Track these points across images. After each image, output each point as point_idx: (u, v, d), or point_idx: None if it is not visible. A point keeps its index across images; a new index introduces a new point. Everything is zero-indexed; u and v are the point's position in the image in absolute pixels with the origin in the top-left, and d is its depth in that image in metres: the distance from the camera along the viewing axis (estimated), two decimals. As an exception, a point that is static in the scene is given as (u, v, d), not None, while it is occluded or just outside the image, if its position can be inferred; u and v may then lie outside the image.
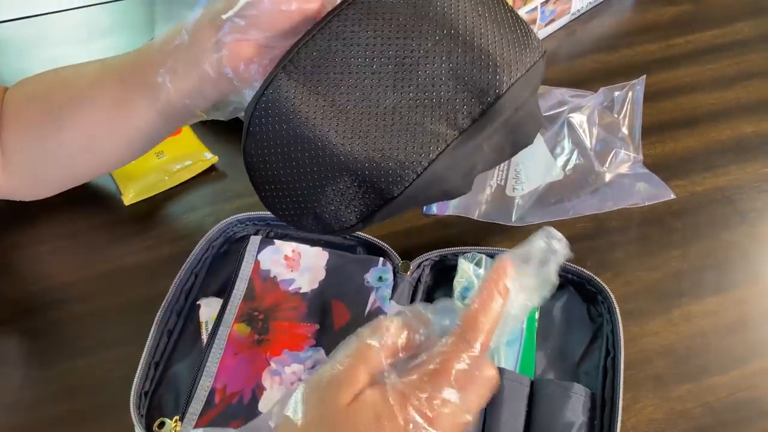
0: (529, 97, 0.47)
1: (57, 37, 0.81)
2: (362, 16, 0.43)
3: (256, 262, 0.54)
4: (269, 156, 0.43)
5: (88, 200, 0.63)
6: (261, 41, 0.45)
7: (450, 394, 0.33)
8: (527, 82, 0.46)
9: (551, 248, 0.38)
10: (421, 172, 0.42)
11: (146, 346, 0.50)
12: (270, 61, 0.45)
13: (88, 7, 0.85)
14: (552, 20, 0.76)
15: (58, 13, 0.84)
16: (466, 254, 0.54)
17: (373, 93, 0.43)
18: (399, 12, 0.44)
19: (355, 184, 0.43)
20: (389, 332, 0.35)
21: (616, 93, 0.67)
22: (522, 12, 0.70)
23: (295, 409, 0.34)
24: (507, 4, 0.46)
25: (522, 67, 0.45)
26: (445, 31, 0.44)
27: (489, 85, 0.44)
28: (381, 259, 0.54)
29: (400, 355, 0.35)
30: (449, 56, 0.44)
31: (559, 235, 0.39)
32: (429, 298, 0.55)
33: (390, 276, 0.53)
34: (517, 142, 0.49)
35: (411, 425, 0.32)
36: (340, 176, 0.42)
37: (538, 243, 0.38)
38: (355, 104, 0.42)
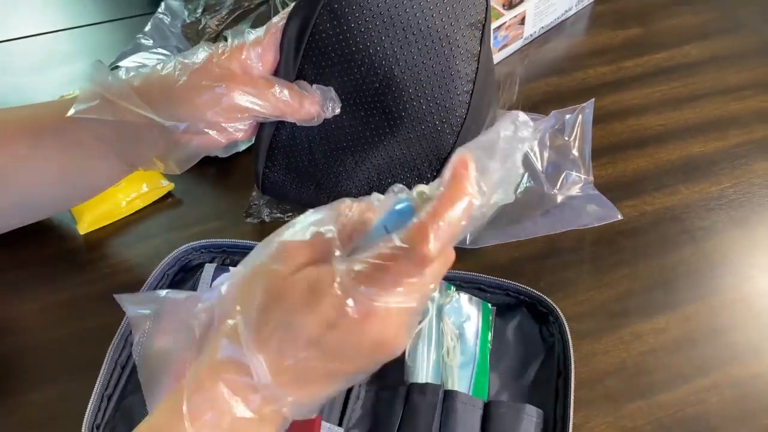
0: (484, 118, 0.52)
1: (17, 64, 0.81)
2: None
3: (211, 290, 0.54)
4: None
5: (41, 229, 0.62)
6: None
7: (395, 298, 0.31)
8: (473, 116, 0.48)
9: (519, 137, 0.32)
10: None
11: (99, 378, 0.49)
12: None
13: (48, 34, 0.84)
14: (505, 45, 0.78)
15: (17, 40, 0.83)
16: (420, 278, 0.55)
17: (346, 170, 0.50)
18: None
19: None
20: (347, 218, 0.34)
21: (567, 116, 0.69)
22: (475, 37, 0.71)
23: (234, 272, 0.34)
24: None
25: (460, 110, 0.49)
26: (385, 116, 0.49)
27: (439, 147, 0.50)
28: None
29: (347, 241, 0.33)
30: (396, 134, 0.49)
31: (526, 118, 0.33)
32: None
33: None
34: None
35: (348, 310, 0.30)
36: None
37: (504, 132, 0.32)
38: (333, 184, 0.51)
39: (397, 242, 0.31)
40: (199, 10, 0.75)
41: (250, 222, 0.62)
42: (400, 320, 0.32)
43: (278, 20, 0.46)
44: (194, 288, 0.54)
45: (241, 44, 0.44)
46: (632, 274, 0.60)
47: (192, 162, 0.48)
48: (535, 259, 0.61)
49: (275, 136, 0.49)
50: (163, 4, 0.79)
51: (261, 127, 0.49)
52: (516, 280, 0.55)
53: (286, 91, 0.44)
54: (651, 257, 0.61)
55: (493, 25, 0.73)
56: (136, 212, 0.64)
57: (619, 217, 0.62)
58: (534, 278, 0.59)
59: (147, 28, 0.77)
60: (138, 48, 0.74)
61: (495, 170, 0.32)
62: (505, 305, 0.56)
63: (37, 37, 0.84)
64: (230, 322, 0.32)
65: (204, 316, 0.35)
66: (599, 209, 0.62)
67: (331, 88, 0.46)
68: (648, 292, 0.59)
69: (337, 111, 0.46)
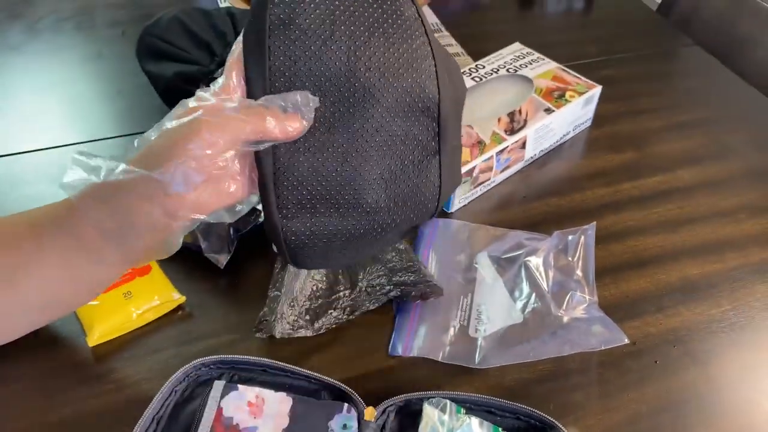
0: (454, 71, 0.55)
1: (37, 175, 0.83)
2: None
3: (219, 408, 0.53)
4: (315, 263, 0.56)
5: (49, 340, 0.63)
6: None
7: None
8: (442, 65, 0.52)
9: None
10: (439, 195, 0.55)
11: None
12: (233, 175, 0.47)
13: (69, 146, 0.87)
14: (507, 167, 0.81)
15: (38, 152, 0.86)
16: (431, 399, 0.55)
17: (357, 181, 0.50)
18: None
19: (396, 232, 0.55)
20: None
21: (570, 237, 0.71)
22: (479, 160, 0.75)
23: None
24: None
25: (428, 60, 0.51)
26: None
27: (427, 100, 0.51)
28: (345, 405, 0.54)
29: None
30: (384, 103, 0.50)
31: None
32: (393, 444, 0.54)
33: (354, 423, 0.53)
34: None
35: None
36: (380, 238, 0.54)
37: None
38: (351, 197, 0.50)
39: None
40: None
41: (260, 337, 0.63)
42: None
43: (234, 54, 0.48)
44: (202, 406, 0.54)
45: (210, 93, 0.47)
46: (639, 397, 0.60)
47: (192, 226, 0.48)
48: (542, 380, 0.61)
49: (276, 177, 0.49)
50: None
51: (261, 181, 0.49)
52: (524, 402, 0.55)
53: (255, 104, 0.46)
54: (657, 380, 0.62)
55: (496, 149, 0.77)
56: (147, 324, 0.64)
57: (626, 341, 0.63)
58: (542, 401, 0.59)
59: (165, 144, 0.81)
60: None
61: None
62: (515, 429, 0.55)
63: (58, 149, 0.87)
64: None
65: None
66: (606, 331, 0.63)
67: (303, 92, 0.47)
68: (656, 417, 0.59)
69: (316, 103, 0.47)
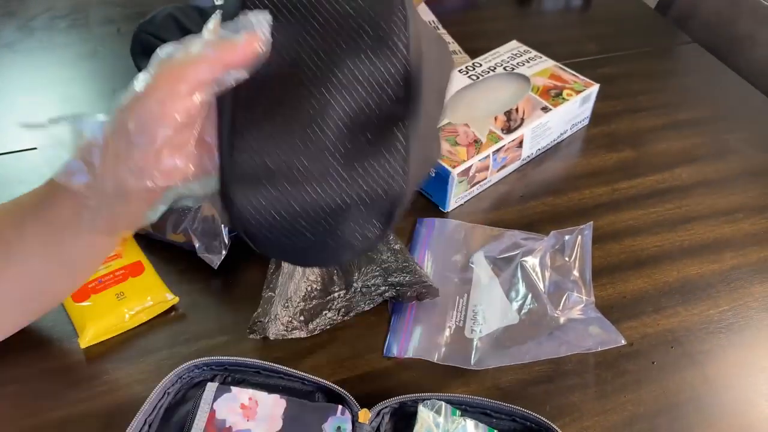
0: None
1: (26, 174, 0.82)
2: (252, 93, 0.43)
3: (212, 411, 0.53)
4: (281, 247, 0.46)
5: (41, 342, 0.62)
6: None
7: None
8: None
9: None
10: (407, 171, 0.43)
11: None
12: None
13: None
14: (504, 166, 0.81)
15: (28, 152, 0.86)
16: (426, 401, 0.54)
17: (311, 147, 0.42)
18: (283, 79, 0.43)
19: (361, 210, 0.44)
20: None
21: (566, 237, 0.71)
22: (475, 159, 0.74)
23: None
24: None
25: (401, 19, 0.43)
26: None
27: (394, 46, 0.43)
28: (339, 407, 0.54)
29: None
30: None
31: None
32: (388, 447, 0.54)
33: (348, 426, 0.53)
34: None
35: None
36: (344, 216, 0.44)
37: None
38: (304, 165, 0.42)
39: None
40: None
41: (254, 338, 0.62)
42: None
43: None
44: (195, 409, 0.53)
45: None
46: (636, 398, 0.60)
47: (168, 201, 0.46)
48: (539, 381, 0.60)
49: (234, 128, 0.43)
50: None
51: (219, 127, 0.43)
52: (521, 403, 0.55)
53: (210, 26, 0.43)
54: (654, 381, 0.61)
55: (493, 148, 0.76)
56: (140, 326, 0.64)
57: (623, 342, 0.62)
58: (539, 402, 0.58)
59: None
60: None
61: None
62: (511, 431, 0.55)
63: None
64: None
65: None
66: (602, 332, 0.63)
67: (254, 11, 0.43)
68: (653, 418, 0.58)
69: (270, 19, 0.42)
